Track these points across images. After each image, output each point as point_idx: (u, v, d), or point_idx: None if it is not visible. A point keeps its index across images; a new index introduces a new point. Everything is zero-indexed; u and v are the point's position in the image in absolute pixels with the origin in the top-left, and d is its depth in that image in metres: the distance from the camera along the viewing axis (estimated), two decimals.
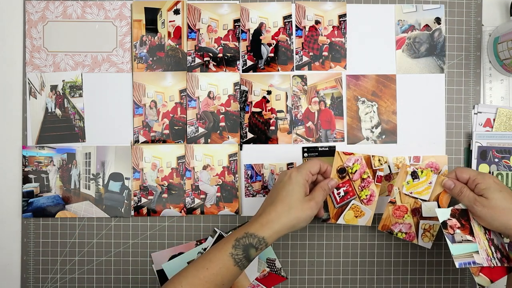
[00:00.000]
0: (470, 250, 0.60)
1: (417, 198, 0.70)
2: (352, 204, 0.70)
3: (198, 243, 0.75)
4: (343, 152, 0.70)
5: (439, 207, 0.68)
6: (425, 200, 0.69)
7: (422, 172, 0.69)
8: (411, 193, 0.70)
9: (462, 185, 0.64)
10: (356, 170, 0.70)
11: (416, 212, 0.70)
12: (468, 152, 0.76)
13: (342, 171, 0.69)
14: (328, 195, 0.70)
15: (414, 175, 0.69)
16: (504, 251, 0.63)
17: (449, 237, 0.61)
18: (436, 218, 0.66)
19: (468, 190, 0.63)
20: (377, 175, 0.70)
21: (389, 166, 0.75)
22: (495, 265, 0.60)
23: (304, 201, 0.61)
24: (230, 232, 0.71)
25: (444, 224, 0.62)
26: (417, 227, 0.70)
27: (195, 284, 0.57)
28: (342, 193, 0.70)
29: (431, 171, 0.69)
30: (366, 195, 0.70)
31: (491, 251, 0.61)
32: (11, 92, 0.75)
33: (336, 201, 0.70)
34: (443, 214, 0.63)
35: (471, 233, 0.62)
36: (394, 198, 0.71)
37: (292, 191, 0.61)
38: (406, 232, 0.71)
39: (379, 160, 0.70)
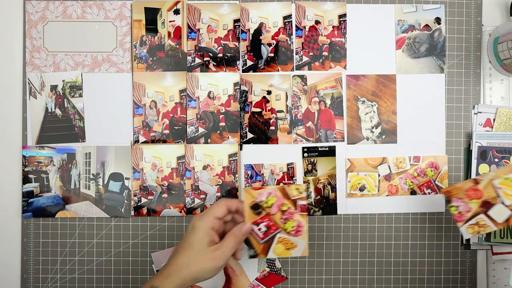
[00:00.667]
0: None
1: (499, 197, 0.64)
2: (279, 238, 0.63)
3: None
4: (252, 188, 0.63)
5: None
6: (504, 204, 0.64)
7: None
8: (500, 188, 0.64)
9: None
10: (272, 204, 0.63)
11: (487, 205, 0.65)
12: (468, 152, 0.76)
13: (256, 207, 0.62)
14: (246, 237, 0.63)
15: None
16: None
17: None
18: (496, 224, 0.64)
19: None
20: (299, 205, 0.63)
21: (389, 166, 0.75)
22: None
23: (207, 252, 0.56)
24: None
25: None
26: (473, 216, 0.65)
27: None
28: (263, 229, 0.63)
29: None
30: (292, 227, 0.63)
31: None
32: (11, 92, 0.75)
33: (259, 237, 0.63)
34: None
35: None
36: (481, 179, 0.65)
37: (194, 242, 0.56)
38: (460, 212, 0.65)
39: (297, 189, 0.63)
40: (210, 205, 0.65)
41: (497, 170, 0.66)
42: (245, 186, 0.62)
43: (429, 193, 0.76)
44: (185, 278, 0.56)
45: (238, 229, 0.60)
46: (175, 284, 0.56)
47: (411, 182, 0.76)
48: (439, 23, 0.76)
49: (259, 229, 0.62)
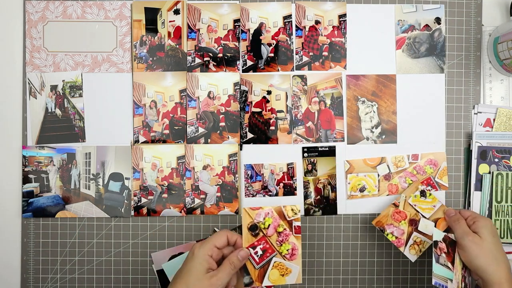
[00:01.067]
0: (447, 276, 0.64)
1: (418, 212, 0.72)
2: (274, 262, 0.64)
3: None
4: (250, 208, 0.64)
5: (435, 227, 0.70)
6: (425, 217, 0.71)
7: (430, 194, 0.72)
8: (415, 205, 0.72)
9: (461, 217, 0.68)
10: (269, 225, 0.64)
11: (413, 223, 0.71)
12: (468, 152, 0.76)
13: (254, 228, 0.63)
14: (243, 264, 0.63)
15: (423, 194, 0.73)
16: None
17: (436, 256, 0.65)
18: (429, 237, 0.70)
19: (465, 223, 0.66)
20: (294, 226, 0.64)
21: (388, 166, 0.75)
22: None
23: (204, 278, 0.58)
24: None
25: (435, 243, 0.65)
26: (408, 236, 0.71)
27: None
28: (259, 252, 0.63)
29: (437, 199, 0.72)
30: (287, 250, 0.64)
31: (461, 286, 0.64)
32: (11, 92, 0.75)
33: (255, 261, 0.63)
34: (438, 235, 0.66)
35: (452, 263, 0.65)
36: (399, 202, 0.72)
37: (192, 269, 0.58)
38: (397, 237, 0.71)
39: (292, 209, 0.65)
40: (210, 235, 0.66)
41: (407, 190, 0.73)
42: (244, 208, 0.64)
43: (429, 190, 0.76)
44: None
45: (235, 255, 0.61)
46: None
47: (411, 180, 0.76)
48: (439, 23, 0.76)
49: (256, 253, 0.63)
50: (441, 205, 0.72)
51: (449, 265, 0.64)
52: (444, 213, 0.71)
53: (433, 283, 0.63)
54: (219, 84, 0.75)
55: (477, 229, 0.64)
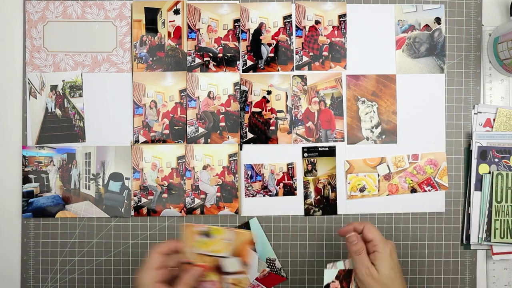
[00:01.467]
0: None
1: (216, 256, 0.61)
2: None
3: None
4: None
5: (242, 263, 0.62)
6: (226, 257, 0.61)
7: (211, 230, 0.61)
8: (208, 252, 0.61)
9: (363, 246, 0.62)
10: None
11: (218, 268, 0.61)
12: (468, 152, 0.76)
13: (207, 235, 0.60)
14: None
15: (206, 234, 0.61)
16: None
17: None
18: (241, 272, 0.62)
19: (366, 255, 0.61)
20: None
21: (388, 166, 0.75)
22: None
23: None
24: None
25: (327, 286, 0.62)
26: (227, 283, 0.63)
27: None
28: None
29: (222, 229, 0.61)
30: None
31: None
32: (11, 92, 0.75)
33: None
34: (330, 275, 0.63)
35: None
36: (191, 259, 0.61)
37: None
38: None
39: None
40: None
41: (186, 241, 0.61)
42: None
43: (429, 190, 0.76)
44: None
45: (189, 276, 0.59)
46: None
47: (411, 180, 0.76)
48: (439, 23, 0.76)
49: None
50: (234, 233, 0.61)
51: None
52: (346, 238, 0.63)
53: None
54: (219, 84, 0.75)
55: (375, 261, 0.60)
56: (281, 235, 0.76)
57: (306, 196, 0.75)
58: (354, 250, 0.62)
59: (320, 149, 0.75)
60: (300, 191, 0.75)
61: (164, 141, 0.75)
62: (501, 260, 0.76)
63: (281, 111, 0.75)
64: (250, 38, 0.75)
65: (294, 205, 0.75)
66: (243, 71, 0.75)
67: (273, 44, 0.75)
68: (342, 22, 0.76)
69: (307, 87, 0.75)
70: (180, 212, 0.75)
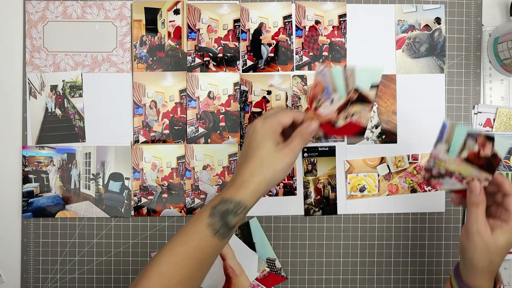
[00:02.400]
0: None
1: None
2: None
3: None
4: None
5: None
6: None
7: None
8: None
9: (484, 200, 0.55)
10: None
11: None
12: None
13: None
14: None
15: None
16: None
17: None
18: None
19: (484, 210, 0.55)
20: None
21: (388, 166, 0.75)
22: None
23: (277, 150, 0.53)
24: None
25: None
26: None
27: (174, 262, 0.51)
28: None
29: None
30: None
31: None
32: (11, 92, 0.75)
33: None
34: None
35: None
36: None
37: (261, 143, 0.53)
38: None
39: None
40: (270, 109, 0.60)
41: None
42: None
43: (429, 190, 0.76)
44: (260, 182, 0.53)
45: (305, 128, 0.55)
46: (249, 191, 0.53)
47: (411, 180, 0.76)
48: (439, 23, 0.76)
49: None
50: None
51: None
52: (469, 185, 0.56)
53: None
54: (219, 84, 0.75)
55: (496, 227, 0.54)
56: (281, 235, 0.76)
57: (306, 196, 0.75)
58: (473, 201, 0.55)
59: (320, 149, 0.75)
60: (300, 191, 0.75)
61: (164, 141, 0.75)
62: None
63: None
64: (250, 38, 0.75)
65: (294, 205, 0.75)
66: (243, 71, 0.75)
67: (273, 44, 0.75)
68: (342, 22, 0.76)
69: (307, 87, 0.75)
70: (180, 212, 0.75)
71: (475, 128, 0.76)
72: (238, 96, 0.75)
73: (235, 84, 0.75)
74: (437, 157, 0.59)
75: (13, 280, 0.75)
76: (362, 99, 0.59)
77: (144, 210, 0.74)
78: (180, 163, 0.75)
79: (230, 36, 0.75)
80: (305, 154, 0.75)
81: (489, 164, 0.57)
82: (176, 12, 0.75)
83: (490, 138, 0.55)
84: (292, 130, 0.57)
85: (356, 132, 0.60)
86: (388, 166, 0.75)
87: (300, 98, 0.75)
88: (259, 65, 0.75)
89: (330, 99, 0.59)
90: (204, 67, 0.75)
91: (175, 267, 0.51)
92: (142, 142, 0.75)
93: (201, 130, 0.75)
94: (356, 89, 0.58)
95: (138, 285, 0.51)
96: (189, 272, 0.51)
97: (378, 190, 0.75)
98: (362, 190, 0.75)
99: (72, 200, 0.75)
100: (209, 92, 0.75)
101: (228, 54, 0.75)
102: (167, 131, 0.75)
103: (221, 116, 0.75)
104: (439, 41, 0.76)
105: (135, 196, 0.74)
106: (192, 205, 0.75)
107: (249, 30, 0.75)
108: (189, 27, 0.75)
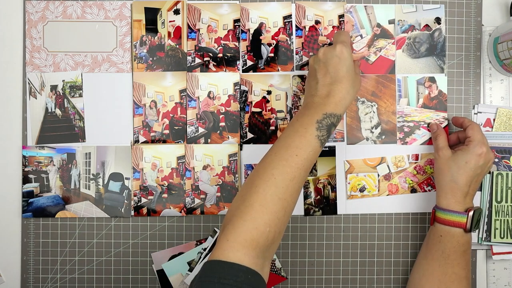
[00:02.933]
0: None
1: None
2: None
3: (198, 243, 0.75)
4: None
5: None
6: None
7: None
8: None
9: (442, 132, 0.71)
10: None
11: None
12: None
13: None
14: None
15: None
16: None
17: None
18: None
19: (444, 139, 0.70)
20: None
21: (388, 166, 0.75)
22: None
23: (356, 75, 0.64)
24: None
25: None
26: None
27: (287, 173, 0.56)
28: None
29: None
30: None
31: None
32: (11, 92, 0.75)
33: None
34: None
35: None
36: None
37: (350, 67, 0.62)
38: None
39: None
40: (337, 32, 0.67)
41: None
42: None
43: (429, 190, 0.76)
44: (351, 99, 0.62)
45: (357, 58, 0.72)
46: (345, 107, 0.62)
47: (411, 180, 0.76)
48: (439, 23, 0.76)
49: None
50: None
51: None
52: (429, 126, 0.74)
53: None
54: (219, 84, 0.75)
55: (459, 149, 0.67)
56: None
57: (306, 196, 0.75)
58: (434, 136, 0.72)
59: None
60: None
61: (164, 141, 0.75)
62: (501, 260, 0.76)
63: (281, 111, 0.75)
64: (250, 38, 0.75)
65: None
66: (243, 71, 0.75)
67: (273, 44, 0.75)
68: (342, 22, 0.76)
69: None
70: (180, 212, 0.75)
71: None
72: (238, 96, 0.75)
73: (235, 84, 0.75)
74: (402, 114, 0.74)
75: (13, 280, 0.75)
76: (384, 34, 0.75)
77: (144, 210, 0.74)
78: (180, 163, 0.75)
79: (230, 36, 0.75)
80: None
81: (440, 102, 0.75)
82: (176, 12, 0.75)
83: (433, 79, 0.74)
84: None
85: (388, 67, 0.74)
86: (388, 166, 0.75)
87: (300, 98, 0.75)
88: (259, 65, 0.75)
89: (360, 34, 0.74)
90: (204, 67, 0.75)
91: (288, 178, 0.56)
92: (142, 142, 0.75)
93: (201, 130, 0.75)
94: (378, 24, 0.74)
95: (248, 195, 0.56)
96: (299, 183, 0.58)
97: (378, 190, 0.75)
98: (362, 190, 0.75)
99: (72, 200, 0.75)
100: (209, 92, 0.75)
101: (228, 54, 0.75)
102: (167, 131, 0.75)
103: (221, 116, 0.75)
104: (439, 41, 0.76)
105: (135, 196, 0.74)
106: (192, 205, 0.75)
107: (249, 30, 0.75)
108: (189, 27, 0.75)
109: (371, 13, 0.74)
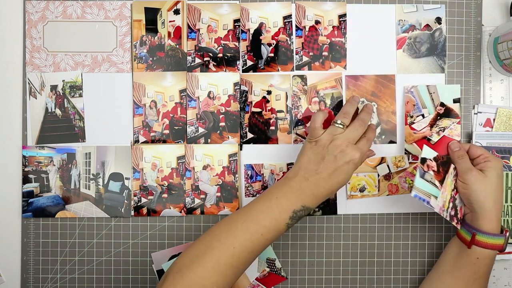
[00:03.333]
0: (431, 192, 0.64)
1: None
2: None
3: None
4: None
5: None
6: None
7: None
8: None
9: (465, 153, 0.67)
10: None
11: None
12: None
13: None
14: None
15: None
16: (460, 213, 0.66)
17: (420, 172, 0.64)
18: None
19: (468, 159, 0.66)
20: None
21: (388, 166, 0.75)
22: (445, 218, 0.64)
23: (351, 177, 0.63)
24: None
25: (423, 160, 0.65)
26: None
27: (247, 246, 0.58)
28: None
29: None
30: None
31: (448, 206, 0.65)
32: (11, 92, 0.75)
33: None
34: (428, 153, 0.66)
35: (441, 182, 0.65)
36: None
37: (350, 173, 0.60)
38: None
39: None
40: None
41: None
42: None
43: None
44: (330, 196, 0.63)
45: (371, 133, 0.65)
46: (322, 200, 0.61)
47: (411, 180, 0.76)
48: (439, 23, 0.76)
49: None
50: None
51: (436, 183, 0.64)
52: (449, 146, 0.68)
53: (412, 195, 0.63)
54: (219, 84, 0.75)
55: (486, 168, 0.64)
56: (281, 235, 0.75)
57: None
58: (457, 155, 0.66)
59: None
60: None
61: (164, 141, 0.75)
62: (501, 260, 0.76)
63: (281, 111, 0.75)
64: (250, 38, 0.75)
65: None
66: (243, 71, 0.75)
67: (273, 44, 0.75)
68: (342, 22, 0.76)
69: (307, 87, 0.75)
70: (180, 212, 0.75)
71: (474, 126, 0.76)
72: (238, 96, 0.75)
73: (235, 84, 0.75)
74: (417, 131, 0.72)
75: (13, 280, 0.75)
76: (448, 113, 0.73)
77: (144, 210, 0.74)
78: (180, 163, 0.75)
79: (230, 36, 0.75)
80: None
81: (447, 109, 0.74)
82: (176, 12, 0.75)
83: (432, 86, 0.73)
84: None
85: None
86: (388, 166, 0.75)
87: (300, 98, 0.75)
88: (259, 65, 0.75)
89: (421, 113, 0.73)
90: (204, 67, 0.75)
91: (247, 251, 0.58)
92: (142, 142, 0.75)
93: (201, 130, 0.75)
94: (441, 103, 0.72)
95: (199, 261, 0.57)
96: (256, 255, 0.60)
97: (378, 190, 0.75)
98: (362, 190, 0.75)
99: (72, 200, 0.75)
100: (209, 92, 0.75)
101: (228, 54, 0.75)
102: (167, 131, 0.75)
103: (221, 116, 0.75)
104: (440, 41, 0.76)
105: (135, 196, 0.74)
106: (192, 205, 0.75)
107: (249, 30, 0.75)
108: (189, 27, 0.75)
109: (434, 93, 0.73)
